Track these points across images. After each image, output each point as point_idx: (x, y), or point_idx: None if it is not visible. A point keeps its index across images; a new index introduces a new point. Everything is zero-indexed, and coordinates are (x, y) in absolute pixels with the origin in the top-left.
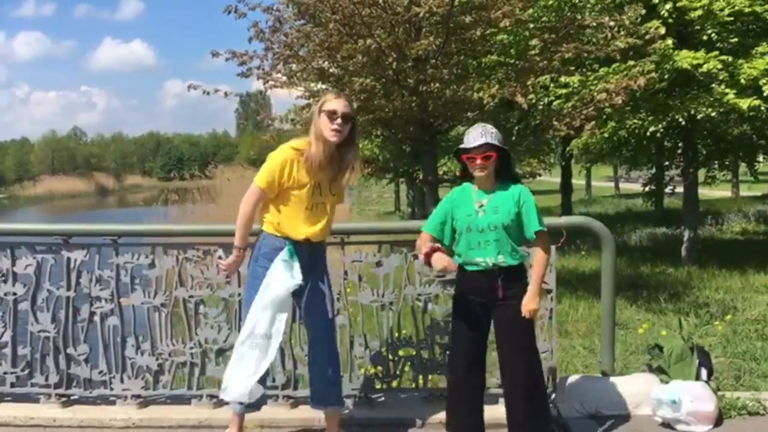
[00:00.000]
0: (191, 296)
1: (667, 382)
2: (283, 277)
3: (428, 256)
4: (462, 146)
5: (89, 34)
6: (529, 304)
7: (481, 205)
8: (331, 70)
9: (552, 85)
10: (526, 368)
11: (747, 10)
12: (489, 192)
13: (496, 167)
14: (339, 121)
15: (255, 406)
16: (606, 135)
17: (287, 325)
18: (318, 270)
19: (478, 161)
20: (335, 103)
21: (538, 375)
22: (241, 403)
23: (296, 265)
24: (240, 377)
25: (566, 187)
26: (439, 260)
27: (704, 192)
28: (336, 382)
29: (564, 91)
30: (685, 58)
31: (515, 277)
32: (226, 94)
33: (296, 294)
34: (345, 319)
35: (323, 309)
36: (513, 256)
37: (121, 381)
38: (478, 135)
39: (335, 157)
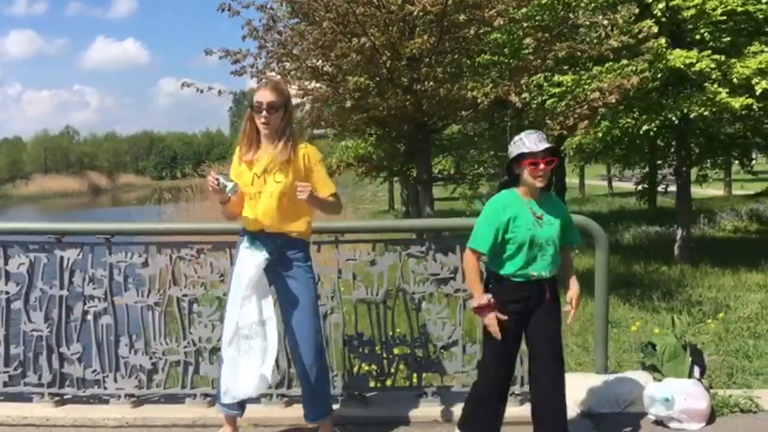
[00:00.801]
0: (185, 295)
1: (660, 380)
2: (249, 259)
3: (484, 309)
4: (526, 151)
5: (82, 32)
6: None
7: (539, 217)
8: (325, 69)
9: (546, 84)
10: (561, 375)
11: (739, 9)
12: (540, 202)
13: None
14: (264, 113)
15: (239, 408)
16: (599, 134)
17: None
18: (288, 268)
19: (542, 166)
20: (259, 95)
21: (564, 383)
22: (222, 405)
23: (258, 246)
24: (249, 372)
25: (560, 186)
26: (492, 321)
27: (697, 191)
28: (318, 393)
29: (558, 90)
30: (678, 57)
31: (555, 284)
32: (219, 92)
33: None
34: (339, 317)
35: (294, 311)
36: (558, 267)
37: (115, 380)
38: (538, 139)
39: (277, 143)
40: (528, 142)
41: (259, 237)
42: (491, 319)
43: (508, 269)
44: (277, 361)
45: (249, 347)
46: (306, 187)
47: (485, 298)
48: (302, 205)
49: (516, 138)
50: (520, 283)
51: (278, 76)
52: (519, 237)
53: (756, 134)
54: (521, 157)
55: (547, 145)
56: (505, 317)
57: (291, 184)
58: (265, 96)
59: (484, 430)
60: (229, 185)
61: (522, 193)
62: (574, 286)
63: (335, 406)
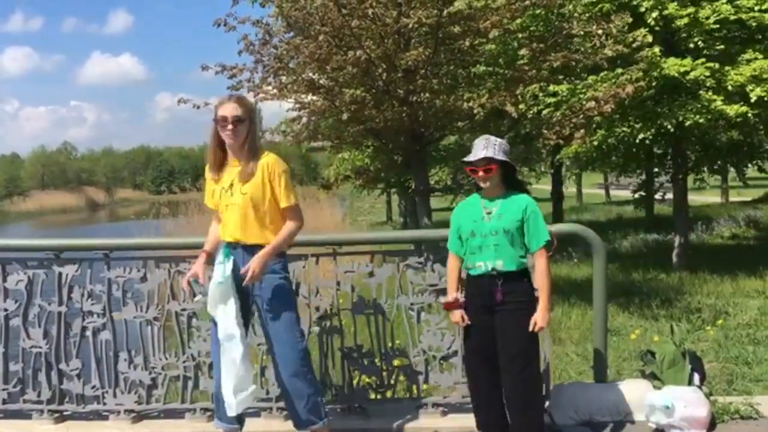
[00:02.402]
0: (184, 309)
1: (660, 388)
2: (215, 274)
3: (450, 306)
4: (465, 159)
5: (78, 48)
6: (541, 321)
7: (489, 212)
8: (321, 82)
9: (541, 94)
10: (521, 373)
11: (732, 17)
12: (495, 200)
13: (501, 177)
14: (230, 126)
15: (238, 423)
16: (595, 143)
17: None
18: (262, 280)
19: (480, 173)
20: (223, 109)
21: (535, 384)
22: (218, 419)
23: (229, 265)
24: (227, 386)
25: (557, 195)
26: (456, 317)
27: (694, 198)
28: (307, 398)
29: (553, 99)
30: (673, 66)
31: (515, 282)
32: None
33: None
34: (338, 329)
35: (271, 322)
36: (512, 262)
37: (114, 396)
38: (480, 148)
39: (242, 155)
40: (474, 149)
41: (234, 249)
42: (455, 315)
43: (465, 263)
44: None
45: (224, 359)
46: (248, 271)
47: (452, 296)
48: (271, 216)
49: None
50: (474, 277)
51: (274, 90)
52: (464, 230)
53: (749, 143)
54: (464, 164)
55: (483, 155)
56: (466, 320)
57: (256, 195)
58: (229, 110)
59: (485, 423)
60: (198, 297)
61: (482, 194)
62: (539, 310)
63: (336, 419)
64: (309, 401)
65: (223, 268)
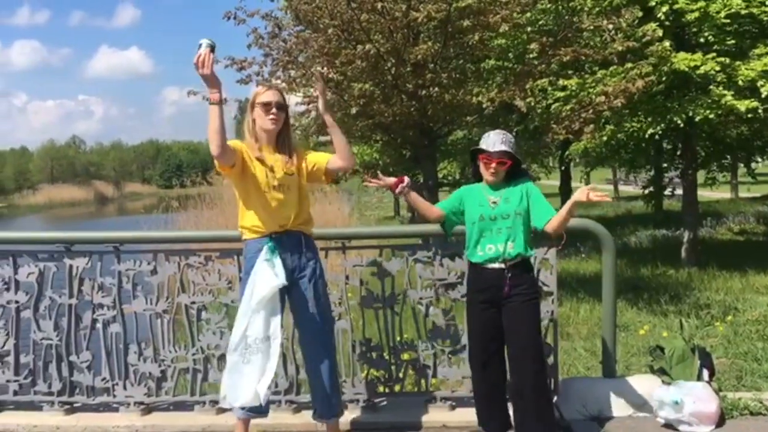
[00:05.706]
0: (193, 302)
1: (668, 384)
2: (266, 276)
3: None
4: (481, 147)
5: (85, 42)
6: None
7: (495, 201)
8: (330, 76)
9: (550, 88)
10: (534, 364)
11: (743, 12)
12: (499, 189)
13: (507, 172)
14: (274, 110)
15: (263, 411)
16: (605, 138)
17: (285, 327)
18: (305, 268)
19: (493, 165)
20: (268, 95)
21: (544, 371)
22: (242, 409)
23: (278, 262)
24: (247, 383)
25: (566, 191)
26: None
27: (703, 193)
28: (333, 392)
29: (562, 94)
30: (683, 60)
31: (522, 272)
32: (225, 100)
33: (284, 294)
34: (347, 323)
35: (312, 311)
36: (522, 245)
37: (124, 388)
38: (498, 141)
39: (277, 144)
40: (489, 140)
41: (279, 239)
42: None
43: (469, 251)
44: (285, 367)
45: (251, 359)
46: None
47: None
48: (308, 200)
49: (484, 134)
50: (483, 267)
51: (283, 84)
52: (471, 215)
53: (757, 138)
54: (479, 151)
55: (503, 148)
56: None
57: (300, 179)
58: (273, 96)
59: (488, 418)
60: (204, 42)
61: (485, 183)
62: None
63: (344, 413)
64: (335, 393)
65: (273, 267)
